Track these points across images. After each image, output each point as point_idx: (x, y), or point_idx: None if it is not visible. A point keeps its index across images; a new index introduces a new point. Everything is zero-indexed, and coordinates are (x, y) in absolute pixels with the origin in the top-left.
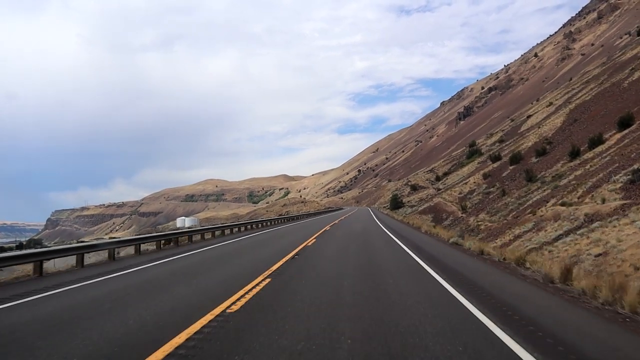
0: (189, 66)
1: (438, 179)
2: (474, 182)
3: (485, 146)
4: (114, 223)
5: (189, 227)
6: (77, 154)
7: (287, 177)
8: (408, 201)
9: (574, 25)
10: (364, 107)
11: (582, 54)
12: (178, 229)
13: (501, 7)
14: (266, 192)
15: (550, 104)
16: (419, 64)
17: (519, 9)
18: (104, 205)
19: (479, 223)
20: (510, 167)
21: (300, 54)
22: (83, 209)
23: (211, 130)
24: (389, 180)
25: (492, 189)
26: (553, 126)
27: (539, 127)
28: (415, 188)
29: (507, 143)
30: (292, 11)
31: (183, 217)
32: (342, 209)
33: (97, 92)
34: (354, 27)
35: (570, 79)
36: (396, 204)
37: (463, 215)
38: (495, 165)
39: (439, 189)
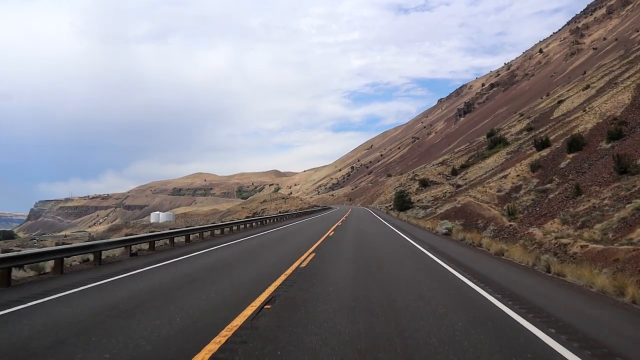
0: (184, 59)
1: (455, 172)
2: (517, 176)
3: (509, 135)
4: (97, 215)
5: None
6: (68, 145)
7: (278, 173)
8: (418, 200)
9: (579, 22)
10: (359, 105)
11: (594, 48)
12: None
13: (499, 9)
14: (256, 188)
15: (588, 86)
16: (416, 64)
17: (516, 11)
18: (88, 197)
19: (563, 240)
20: (570, 155)
21: (296, 50)
22: (67, 200)
23: (205, 125)
24: (389, 175)
25: (549, 185)
26: (618, 104)
27: (586, 111)
28: (425, 184)
29: (543, 129)
30: (289, 7)
31: (157, 212)
32: (330, 208)
33: (90, 83)
34: (351, 25)
35: (584, 72)
36: (402, 203)
37: (512, 223)
38: (543, 153)
39: (459, 185)
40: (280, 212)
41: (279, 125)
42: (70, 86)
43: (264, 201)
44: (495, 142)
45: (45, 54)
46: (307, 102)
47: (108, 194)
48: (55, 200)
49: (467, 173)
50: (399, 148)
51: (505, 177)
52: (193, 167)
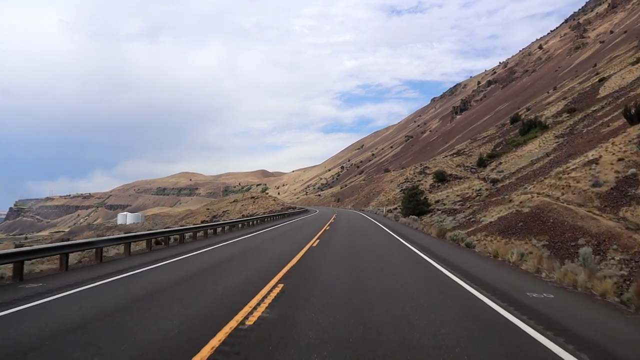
0: (175, 58)
1: (483, 163)
2: (619, 160)
3: (544, 118)
4: (78, 215)
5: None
6: (57, 142)
7: (265, 173)
8: (437, 201)
9: (579, 18)
10: (350, 106)
11: (601, 42)
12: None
13: (492, 12)
14: (243, 188)
15: (638, 60)
16: (407, 65)
17: (509, 14)
18: (69, 196)
19: None
20: None
21: (288, 51)
22: (47, 199)
23: (196, 124)
24: (386, 170)
25: None
26: None
27: None
28: (442, 178)
29: (597, 108)
30: (282, 7)
31: (125, 213)
32: (307, 210)
33: (80, 81)
34: (344, 26)
35: (595, 65)
36: (416, 205)
37: None
38: None
39: (496, 180)
40: (243, 217)
41: (270, 125)
42: (60, 83)
43: (234, 201)
44: (529, 126)
45: (34, 49)
46: (298, 103)
47: (90, 193)
48: (35, 199)
49: (500, 163)
50: (391, 147)
51: (595, 163)
52: (183, 166)
